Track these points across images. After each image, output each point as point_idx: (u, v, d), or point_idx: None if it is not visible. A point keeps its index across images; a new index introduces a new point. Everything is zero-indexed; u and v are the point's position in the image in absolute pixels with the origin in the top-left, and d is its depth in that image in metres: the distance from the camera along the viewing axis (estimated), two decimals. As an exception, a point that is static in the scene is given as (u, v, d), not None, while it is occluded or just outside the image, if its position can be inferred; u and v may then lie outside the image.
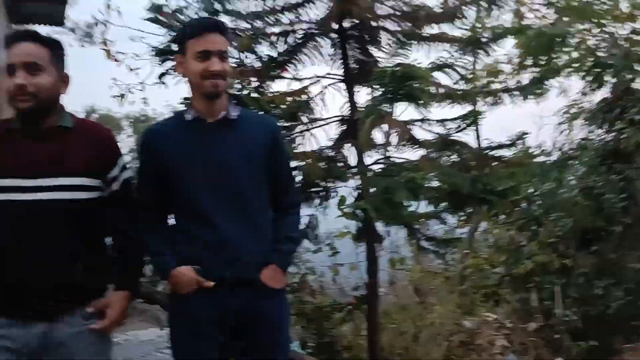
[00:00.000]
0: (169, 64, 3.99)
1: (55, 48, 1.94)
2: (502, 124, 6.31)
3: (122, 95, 4.05)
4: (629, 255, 5.70)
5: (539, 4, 7.41)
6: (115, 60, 3.92)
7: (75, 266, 1.86)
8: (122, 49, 3.94)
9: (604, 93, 6.26)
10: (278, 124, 2.29)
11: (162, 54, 3.90)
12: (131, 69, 3.98)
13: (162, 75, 3.91)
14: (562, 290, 5.52)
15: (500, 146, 4.00)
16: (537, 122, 14.57)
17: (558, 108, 7.42)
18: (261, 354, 2.04)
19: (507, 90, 4.02)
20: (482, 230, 8.70)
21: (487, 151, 4.11)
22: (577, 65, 6.49)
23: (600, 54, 6.03)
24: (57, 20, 7.83)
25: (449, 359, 5.09)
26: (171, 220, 2.16)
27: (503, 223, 6.80)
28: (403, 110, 4.24)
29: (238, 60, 4.18)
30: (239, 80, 4.07)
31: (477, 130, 7.60)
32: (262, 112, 2.73)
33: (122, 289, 2.00)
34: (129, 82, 4.10)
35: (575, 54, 6.81)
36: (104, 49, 3.88)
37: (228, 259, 1.97)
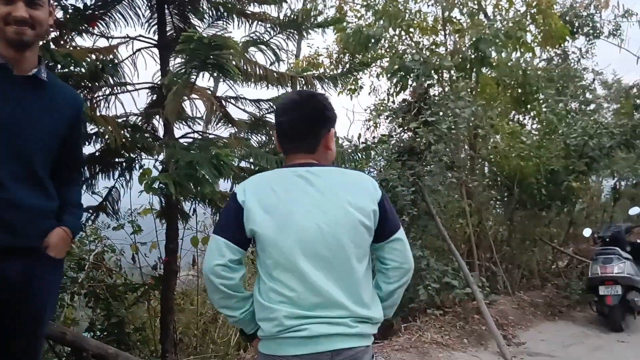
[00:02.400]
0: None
1: None
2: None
3: None
4: (413, 245, 6.34)
5: (359, 4, 7.83)
6: None
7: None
8: None
9: (406, 95, 6.86)
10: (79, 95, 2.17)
11: None
12: None
13: None
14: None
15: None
16: (349, 116, 15.59)
17: (367, 105, 7.97)
18: (24, 327, 1.95)
19: (320, 77, 4.13)
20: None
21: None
22: (386, 67, 7.01)
23: (406, 59, 6.57)
24: None
25: (246, 339, 5.13)
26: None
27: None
28: (225, 91, 4.17)
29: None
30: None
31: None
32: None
33: None
34: None
35: (386, 56, 7.35)
36: None
37: (9, 224, 1.87)
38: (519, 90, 8.27)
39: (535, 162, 7.81)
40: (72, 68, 3.60)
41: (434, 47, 7.22)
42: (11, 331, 1.92)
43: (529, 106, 8.51)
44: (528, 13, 7.77)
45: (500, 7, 8.00)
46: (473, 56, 6.94)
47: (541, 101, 8.57)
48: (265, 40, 3.76)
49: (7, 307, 1.89)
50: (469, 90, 7.57)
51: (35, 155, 1.94)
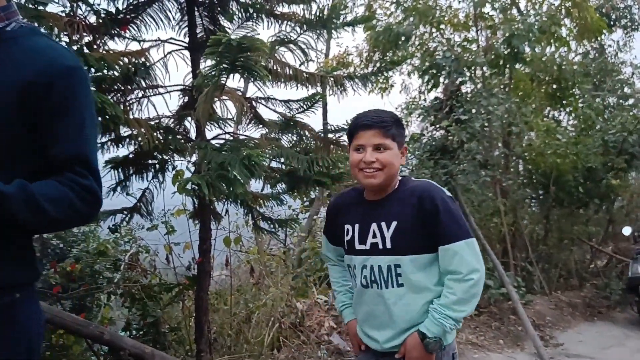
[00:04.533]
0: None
1: None
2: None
3: None
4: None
5: (388, 1, 7.76)
6: None
7: None
8: None
9: (438, 93, 6.77)
10: (70, 61, 1.40)
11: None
12: None
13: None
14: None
15: (339, 130, 4.08)
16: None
17: (399, 103, 7.91)
18: None
19: (349, 77, 4.10)
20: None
21: (327, 134, 4.16)
22: (417, 65, 6.92)
23: (437, 56, 6.48)
24: None
25: (279, 340, 5.14)
26: None
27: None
28: (255, 92, 4.17)
29: (67, 10, 3.73)
30: (66, 34, 3.63)
31: (324, 116, 7.84)
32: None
33: None
34: None
35: (417, 54, 7.27)
36: None
37: None
38: (554, 86, 8.08)
39: (572, 159, 7.61)
40: (105, 72, 3.66)
41: (465, 43, 7.09)
42: None
43: (564, 102, 8.30)
44: (562, 7, 7.58)
45: (533, 1, 7.82)
46: (506, 52, 6.80)
47: (577, 96, 8.35)
48: (293, 39, 3.74)
49: None
50: (502, 87, 7.43)
51: None
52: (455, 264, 1.82)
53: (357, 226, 1.99)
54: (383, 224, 1.91)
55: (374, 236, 1.93)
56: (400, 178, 2.00)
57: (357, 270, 1.99)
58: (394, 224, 1.89)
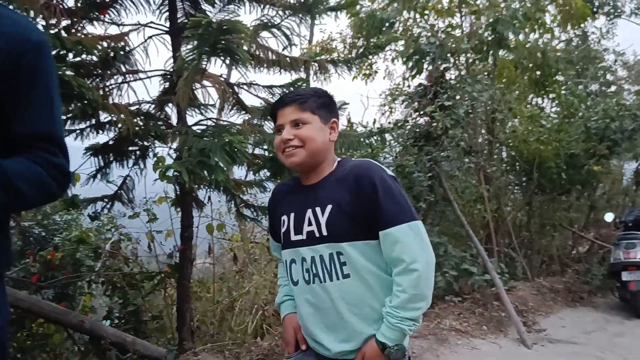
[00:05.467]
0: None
1: None
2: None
3: None
4: (431, 231, 6.27)
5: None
6: None
7: None
8: None
9: (422, 79, 6.75)
10: (37, 36, 1.32)
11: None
12: None
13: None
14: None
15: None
16: (364, 101, 15.56)
17: (382, 90, 7.87)
18: None
19: (333, 61, 4.05)
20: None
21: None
22: (401, 51, 6.88)
23: (421, 42, 6.44)
24: None
25: (262, 327, 5.12)
26: None
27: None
28: (238, 78, 4.10)
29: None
30: (43, 17, 3.53)
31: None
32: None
33: None
34: None
35: (401, 40, 7.22)
36: None
37: None
38: (538, 73, 8.09)
39: (555, 146, 7.66)
40: (83, 56, 3.57)
41: (449, 29, 7.06)
42: None
43: (548, 89, 8.33)
44: (547, -8, 7.57)
45: (517, -13, 7.78)
46: (490, 38, 6.78)
47: (560, 83, 8.38)
48: (276, 23, 3.67)
49: None
50: (486, 73, 7.42)
51: None
52: (397, 252, 1.61)
53: (292, 215, 1.78)
54: (318, 209, 1.70)
55: (310, 224, 1.71)
56: (339, 159, 1.82)
57: (298, 265, 1.76)
58: (329, 207, 1.68)
